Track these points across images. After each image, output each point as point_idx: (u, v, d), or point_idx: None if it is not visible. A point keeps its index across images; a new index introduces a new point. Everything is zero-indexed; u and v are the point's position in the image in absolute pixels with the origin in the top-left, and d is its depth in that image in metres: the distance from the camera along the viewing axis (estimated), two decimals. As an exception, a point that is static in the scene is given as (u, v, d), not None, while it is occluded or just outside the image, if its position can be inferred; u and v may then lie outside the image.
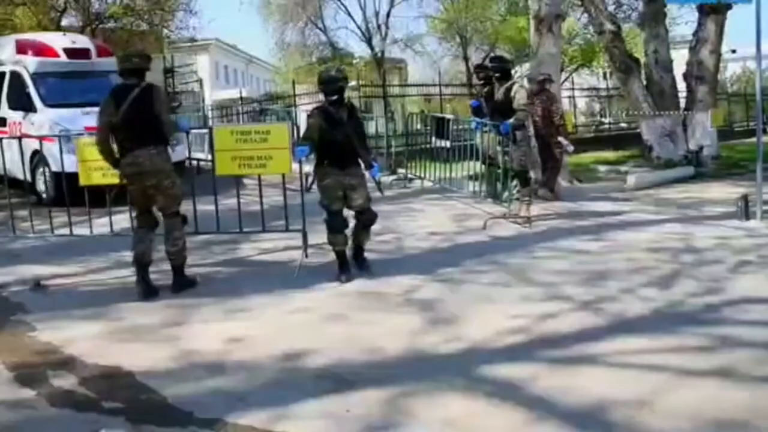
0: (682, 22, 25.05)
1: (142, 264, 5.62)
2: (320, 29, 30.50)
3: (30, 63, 10.81)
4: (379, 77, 23.66)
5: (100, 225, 7.20)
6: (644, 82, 15.45)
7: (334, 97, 5.83)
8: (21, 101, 10.59)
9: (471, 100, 10.85)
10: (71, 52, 11.11)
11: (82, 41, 12.12)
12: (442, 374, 3.97)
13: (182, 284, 5.71)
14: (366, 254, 6.26)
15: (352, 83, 18.02)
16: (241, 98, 23.88)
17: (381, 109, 17.87)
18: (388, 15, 29.35)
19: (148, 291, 5.55)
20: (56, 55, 11.00)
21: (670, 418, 3.34)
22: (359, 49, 31.43)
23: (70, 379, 4.02)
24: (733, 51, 37.03)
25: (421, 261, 6.63)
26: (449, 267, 6.32)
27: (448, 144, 10.24)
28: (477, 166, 9.58)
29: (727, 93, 30.63)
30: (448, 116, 11.30)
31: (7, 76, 11.05)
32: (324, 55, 29.86)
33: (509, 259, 6.63)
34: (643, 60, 16.04)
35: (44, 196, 9.71)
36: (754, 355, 4.11)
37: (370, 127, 15.70)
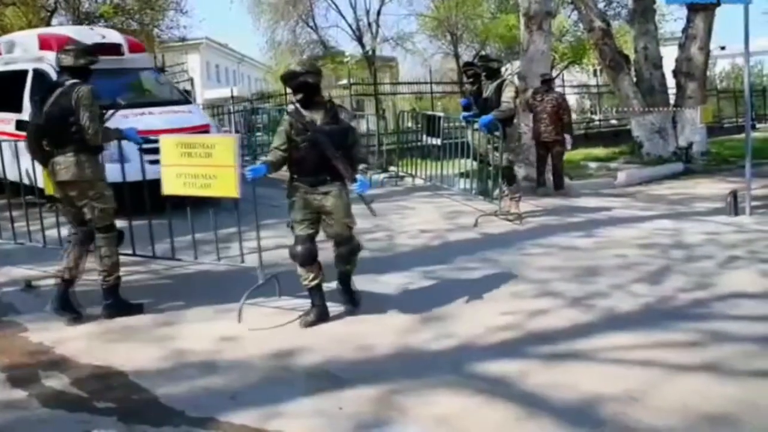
0: (672, 19, 25.24)
1: (65, 279, 5.14)
2: (311, 27, 30.52)
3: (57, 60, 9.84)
4: (370, 75, 23.65)
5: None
6: (634, 79, 15.50)
7: (299, 96, 4.79)
8: None
9: (461, 98, 10.91)
10: (102, 48, 9.39)
11: (113, 36, 10.82)
12: (434, 371, 3.99)
13: (118, 308, 5.16)
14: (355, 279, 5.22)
15: (343, 81, 17.99)
16: (233, 97, 23.79)
17: (372, 107, 17.85)
18: (378, 13, 29.39)
19: (62, 307, 5.08)
20: None
21: (660, 414, 3.36)
22: (350, 48, 31.44)
23: (62, 379, 4.02)
24: (722, 48, 37.29)
25: (413, 258, 6.65)
26: (440, 264, 6.34)
27: (439, 142, 10.26)
28: (468, 164, 9.61)
29: (717, 89, 30.76)
30: (439, 114, 11.32)
31: (30, 75, 9.69)
32: (315, 53, 29.83)
33: (500, 255, 6.66)
34: (632, 57, 16.10)
35: None
36: (743, 350, 4.15)
37: (362, 125, 15.70)
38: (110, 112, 5.50)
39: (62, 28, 12.51)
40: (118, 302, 5.19)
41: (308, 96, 4.78)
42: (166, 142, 5.43)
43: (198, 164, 5.18)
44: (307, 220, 4.84)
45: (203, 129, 9.03)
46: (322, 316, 4.89)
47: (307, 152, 4.74)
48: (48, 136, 5.07)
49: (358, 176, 4.74)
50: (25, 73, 9.79)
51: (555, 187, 10.64)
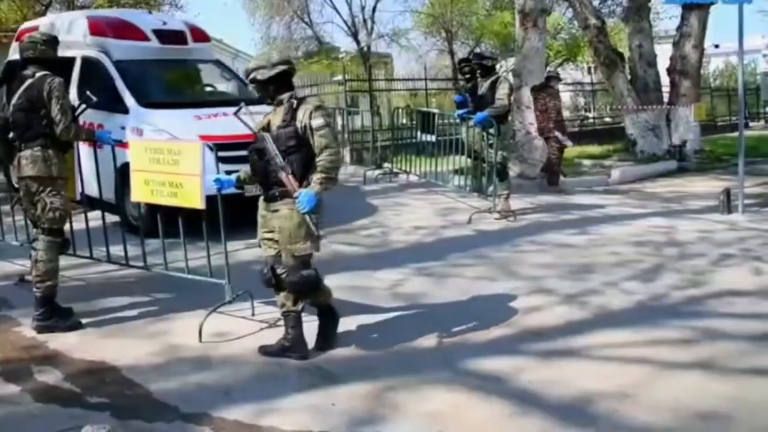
0: (666, 17, 25.30)
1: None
2: (306, 23, 30.50)
3: (113, 48, 8.30)
4: (364, 71, 23.61)
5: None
6: (628, 77, 15.51)
7: (260, 95, 4.20)
8: (103, 98, 7.05)
9: (456, 95, 10.94)
10: (163, 36, 8.73)
11: (174, 22, 9.64)
12: (427, 368, 3.99)
13: (51, 321, 4.69)
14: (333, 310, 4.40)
15: (338, 78, 17.94)
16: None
17: (367, 104, 17.81)
18: (374, 9, 29.40)
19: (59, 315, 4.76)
20: (145, 38, 8.57)
21: (652, 411, 3.38)
22: (345, 44, 31.44)
23: (55, 374, 4.01)
24: (716, 46, 37.38)
25: (407, 255, 6.64)
26: (434, 261, 6.34)
27: (433, 138, 10.26)
28: (462, 161, 9.61)
29: (710, 88, 30.70)
30: (434, 111, 11.33)
31: (78, 64, 8.30)
32: (310, 49, 29.82)
33: (494, 252, 6.66)
34: (627, 54, 16.11)
35: (135, 222, 6.82)
36: (736, 348, 4.17)
37: (356, 122, 15.67)
38: (82, 107, 5.36)
39: (114, 11, 11.31)
40: (51, 314, 4.73)
41: (266, 95, 4.12)
42: (135, 146, 5.17)
43: (166, 171, 4.82)
44: (268, 240, 4.20)
45: None
46: (286, 350, 4.17)
47: (255, 162, 4.08)
48: (16, 129, 4.80)
49: (302, 191, 3.91)
50: (69, 60, 8.05)
51: (548, 183, 10.76)
